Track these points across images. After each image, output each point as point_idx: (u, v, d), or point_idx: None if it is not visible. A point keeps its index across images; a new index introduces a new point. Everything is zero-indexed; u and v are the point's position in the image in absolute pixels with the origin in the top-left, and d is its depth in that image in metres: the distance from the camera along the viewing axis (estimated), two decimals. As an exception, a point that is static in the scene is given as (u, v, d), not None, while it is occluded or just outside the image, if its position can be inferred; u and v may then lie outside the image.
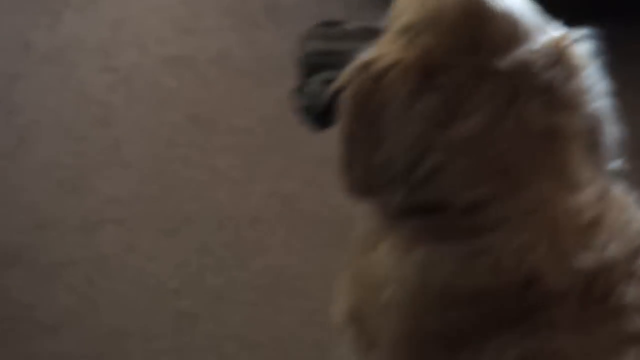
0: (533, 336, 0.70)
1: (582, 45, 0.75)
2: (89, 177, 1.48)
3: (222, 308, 1.29)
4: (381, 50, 0.74)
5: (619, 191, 0.76)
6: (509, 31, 0.72)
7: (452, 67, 0.70)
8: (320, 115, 0.88)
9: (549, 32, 0.75)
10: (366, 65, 0.73)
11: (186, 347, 1.25)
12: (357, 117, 0.75)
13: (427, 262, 0.72)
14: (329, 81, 0.82)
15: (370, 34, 0.83)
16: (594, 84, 0.75)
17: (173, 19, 1.79)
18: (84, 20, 1.79)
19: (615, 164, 0.76)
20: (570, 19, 0.79)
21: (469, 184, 0.71)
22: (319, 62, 0.93)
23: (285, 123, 1.56)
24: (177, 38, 1.74)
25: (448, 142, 0.70)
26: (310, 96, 0.90)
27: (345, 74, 0.75)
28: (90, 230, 1.40)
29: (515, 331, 0.70)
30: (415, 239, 0.74)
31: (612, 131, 0.76)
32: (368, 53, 0.74)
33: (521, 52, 0.71)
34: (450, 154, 0.70)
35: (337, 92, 0.77)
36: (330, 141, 1.51)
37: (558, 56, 0.73)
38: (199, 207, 1.44)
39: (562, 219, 0.70)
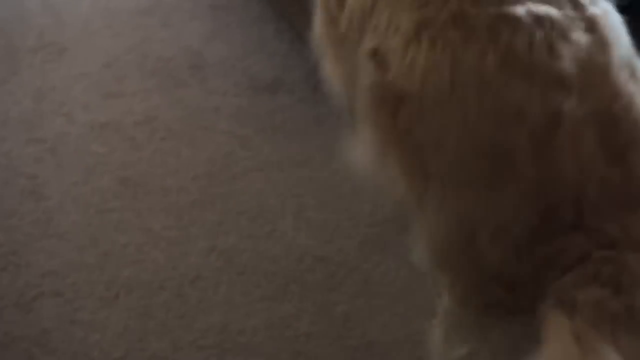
0: None
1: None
2: (23, 252, 1.47)
3: (169, 372, 1.29)
4: None
5: None
6: None
7: None
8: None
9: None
10: None
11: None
12: None
13: None
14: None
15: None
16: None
17: (97, 84, 1.79)
18: (6, 93, 1.78)
19: None
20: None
21: None
22: None
23: (217, 179, 1.59)
24: (102, 103, 1.75)
25: None
26: None
27: None
28: (28, 305, 1.38)
29: None
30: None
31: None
32: None
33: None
34: None
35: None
36: (263, 193, 1.56)
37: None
38: (138, 271, 1.44)
39: None
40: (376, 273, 1.42)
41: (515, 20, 0.77)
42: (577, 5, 0.81)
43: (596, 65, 0.78)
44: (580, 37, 0.78)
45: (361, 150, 0.97)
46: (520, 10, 0.78)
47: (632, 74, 0.80)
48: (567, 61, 0.76)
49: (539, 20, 0.77)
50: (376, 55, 0.86)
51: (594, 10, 0.82)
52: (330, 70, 1.12)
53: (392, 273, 1.42)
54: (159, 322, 1.35)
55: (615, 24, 0.84)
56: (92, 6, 1.99)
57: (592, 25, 0.80)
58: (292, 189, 1.57)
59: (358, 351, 1.31)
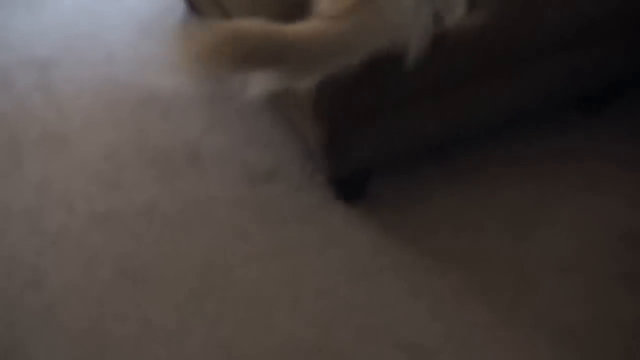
0: None
1: None
2: (22, 344, 1.48)
3: None
4: None
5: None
6: None
7: None
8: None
9: None
10: None
11: None
12: None
13: None
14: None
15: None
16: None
17: (98, 175, 1.84)
18: (8, 185, 1.83)
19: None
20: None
21: None
22: None
23: (215, 269, 1.62)
24: (103, 194, 1.79)
25: None
26: None
27: None
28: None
29: None
30: None
31: None
32: None
33: None
34: None
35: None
36: (260, 282, 1.58)
37: None
38: (137, 362, 1.45)
39: None
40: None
41: None
42: None
43: None
44: None
45: None
46: None
47: None
48: None
49: None
50: None
51: None
52: None
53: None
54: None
55: None
56: (94, 99, 2.07)
57: None
58: (288, 277, 1.60)
59: None
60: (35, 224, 1.72)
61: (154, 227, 1.71)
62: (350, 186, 1.73)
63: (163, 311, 1.54)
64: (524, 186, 1.75)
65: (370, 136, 1.62)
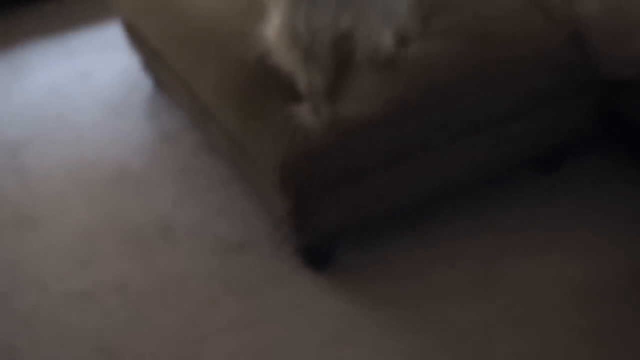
0: None
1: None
2: None
3: None
4: None
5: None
6: None
7: None
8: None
9: None
10: None
11: None
12: None
13: None
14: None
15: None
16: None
17: (71, 253, 1.89)
18: (-20, 268, 1.87)
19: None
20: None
21: None
22: None
23: (190, 341, 1.66)
24: (76, 272, 1.84)
25: None
26: None
27: None
28: None
29: None
30: None
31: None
32: None
33: None
34: None
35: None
36: (234, 353, 1.62)
37: None
38: None
39: None
40: None
41: None
42: None
43: None
44: None
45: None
46: None
47: None
48: None
49: None
50: None
51: None
52: None
53: None
54: None
55: None
56: (65, 179, 2.14)
57: None
58: (262, 346, 1.64)
59: None
60: (8, 304, 1.75)
61: (128, 303, 1.75)
62: (318, 253, 1.80)
63: (139, 386, 1.57)
64: (484, 247, 1.84)
65: (334, 205, 1.70)
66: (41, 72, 2.71)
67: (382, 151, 1.66)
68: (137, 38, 2.29)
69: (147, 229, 1.95)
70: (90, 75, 2.66)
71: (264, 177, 1.72)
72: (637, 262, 1.78)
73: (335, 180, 1.64)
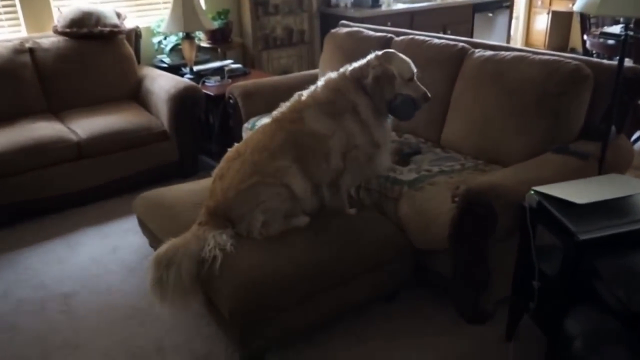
0: None
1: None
2: None
3: None
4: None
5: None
6: None
7: None
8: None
9: None
10: None
11: None
12: None
13: None
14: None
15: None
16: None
17: None
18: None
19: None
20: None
21: None
22: None
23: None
24: None
25: None
26: None
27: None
28: None
29: None
30: None
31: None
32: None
33: None
34: None
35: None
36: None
37: None
38: None
39: None
40: None
41: None
42: None
43: None
44: None
45: None
46: None
47: None
48: None
49: None
50: None
51: None
52: None
53: None
54: None
55: None
56: (98, 317, 2.97)
57: None
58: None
59: None
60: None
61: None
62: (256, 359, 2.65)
63: None
64: (355, 348, 2.74)
65: (266, 330, 2.50)
66: (87, 248, 3.68)
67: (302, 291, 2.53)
68: (146, 228, 3.24)
69: (148, 348, 2.77)
70: (118, 249, 3.65)
71: (219, 315, 2.56)
72: (445, 357, 2.68)
73: (266, 316, 2.48)
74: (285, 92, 4.30)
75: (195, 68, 5.21)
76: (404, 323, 2.93)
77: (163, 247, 2.59)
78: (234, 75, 5.22)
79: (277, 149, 2.74)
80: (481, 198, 2.53)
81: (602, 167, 2.70)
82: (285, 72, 5.98)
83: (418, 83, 2.86)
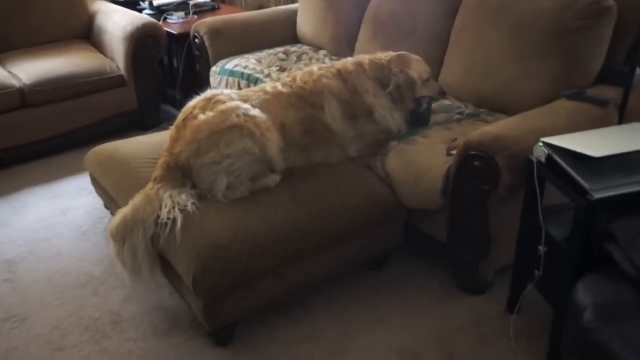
0: None
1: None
2: None
3: None
4: None
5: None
6: None
7: None
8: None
9: None
10: None
11: None
12: None
13: None
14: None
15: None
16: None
17: (48, 342, 2.45)
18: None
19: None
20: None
21: None
22: None
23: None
24: (51, 357, 2.42)
25: None
26: None
27: None
28: None
29: None
30: None
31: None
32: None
33: None
34: None
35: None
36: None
37: None
38: None
39: None
40: None
41: None
42: None
43: None
44: None
45: None
46: None
47: None
48: None
49: None
50: None
51: None
52: None
53: None
54: None
55: None
56: (47, 286, 2.81)
57: None
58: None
59: None
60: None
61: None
62: (224, 335, 2.46)
63: None
64: (336, 322, 2.56)
65: (235, 302, 2.35)
66: (34, 209, 3.49)
67: (273, 262, 2.33)
68: (99, 187, 3.04)
69: (103, 321, 2.60)
70: (69, 210, 3.45)
71: (185, 285, 2.35)
72: (439, 331, 2.50)
73: (236, 284, 2.30)
74: (260, 30, 4.16)
75: (156, 2, 4.93)
76: (392, 293, 2.76)
77: (115, 221, 2.49)
78: (200, 10, 4.93)
79: (287, 123, 2.69)
80: (482, 151, 2.33)
81: (622, 115, 2.46)
82: (261, 7, 5.45)
83: (432, 81, 2.96)
